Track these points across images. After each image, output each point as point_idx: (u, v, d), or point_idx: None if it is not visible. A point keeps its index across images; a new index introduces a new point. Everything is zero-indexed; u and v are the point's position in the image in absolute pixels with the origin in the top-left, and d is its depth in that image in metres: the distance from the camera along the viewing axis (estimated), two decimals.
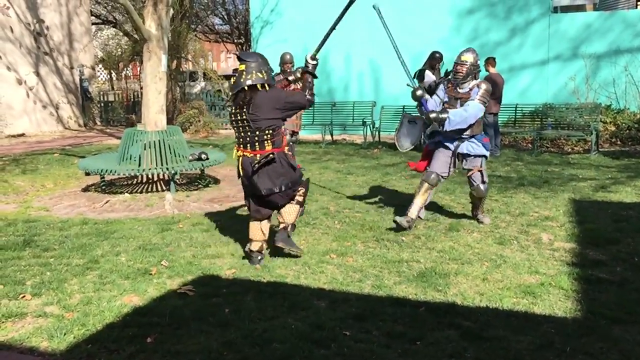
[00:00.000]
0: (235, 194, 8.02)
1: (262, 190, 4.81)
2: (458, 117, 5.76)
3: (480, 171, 6.04)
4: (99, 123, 19.33)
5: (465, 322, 3.82)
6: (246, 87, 4.71)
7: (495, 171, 9.17)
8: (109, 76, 32.56)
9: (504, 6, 13.14)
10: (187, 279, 4.75)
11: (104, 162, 8.47)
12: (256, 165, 4.74)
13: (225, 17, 25.80)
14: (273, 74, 9.39)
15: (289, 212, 5.06)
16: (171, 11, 8.86)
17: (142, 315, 4.05)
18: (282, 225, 5.08)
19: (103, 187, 8.39)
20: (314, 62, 5.16)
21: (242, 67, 4.79)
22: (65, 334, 3.77)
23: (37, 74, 17.20)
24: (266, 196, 4.86)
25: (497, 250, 5.32)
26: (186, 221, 6.55)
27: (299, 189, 5.08)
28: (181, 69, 18.92)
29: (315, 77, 5.21)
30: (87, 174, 8.30)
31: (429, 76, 11.03)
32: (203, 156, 8.32)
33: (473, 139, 5.95)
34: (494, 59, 10.87)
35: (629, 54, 12.25)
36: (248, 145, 4.81)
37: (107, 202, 7.55)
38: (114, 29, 25.05)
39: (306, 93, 5.01)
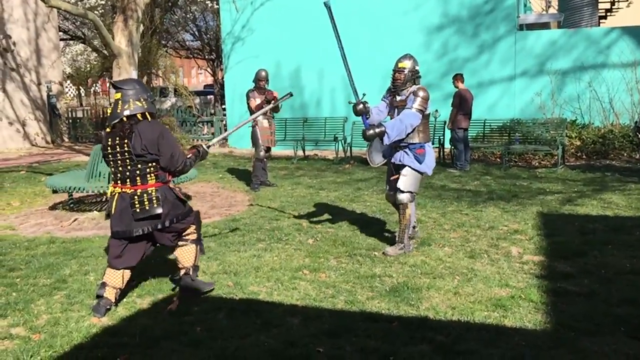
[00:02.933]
0: (207, 210, 7.96)
1: (142, 229, 4.28)
2: (395, 129, 5.45)
3: (400, 177, 5.70)
4: (67, 140, 19.03)
5: (438, 336, 3.84)
6: (125, 118, 4.26)
7: (465, 185, 9.28)
8: (77, 92, 32.19)
9: (472, 23, 13.40)
10: (158, 297, 4.68)
11: (72, 179, 8.32)
12: (137, 210, 4.24)
13: (196, 33, 25.79)
14: (247, 90, 9.47)
15: (186, 254, 4.64)
16: (141, 27, 8.80)
17: (112, 336, 3.97)
18: (183, 271, 4.67)
19: (71, 205, 8.24)
20: (207, 150, 4.72)
21: (118, 95, 4.34)
22: (32, 356, 3.67)
23: (4, 90, 16.89)
24: (146, 235, 4.35)
25: (468, 264, 5.37)
26: None
27: (189, 226, 4.58)
28: (152, 85, 18.79)
29: (203, 158, 4.67)
30: (55, 191, 8.14)
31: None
32: None
33: (407, 149, 5.69)
34: (461, 75, 11.05)
35: (592, 71, 12.59)
36: (128, 180, 4.29)
37: (75, 221, 7.42)
38: (83, 44, 24.79)
39: (189, 157, 4.49)
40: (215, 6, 17.88)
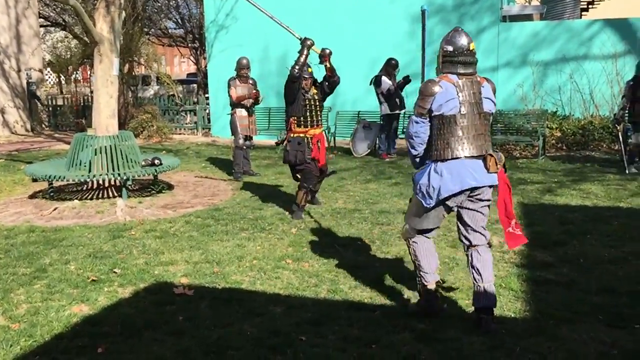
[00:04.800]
0: (190, 199, 7.92)
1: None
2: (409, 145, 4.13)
3: None
4: (47, 128, 18.77)
5: (419, 324, 3.87)
6: None
7: None
8: (57, 80, 31.71)
9: (457, 14, 13.41)
10: (140, 286, 4.66)
11: (52, 167, 8.23)
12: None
13: (179, 20, 25.48)
14: (228, 79, 9.41)
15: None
16: (123, 14, 8.67)
17: (93, 325, 3.95)
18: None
19: (51, 194, 8.15)
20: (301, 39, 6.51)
21: None
22: (11, 346, 3.64)
23: None
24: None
25: (449, 253, 5.41)
26: (138, 228, 6.43)
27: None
28: (133, 73, 18.54)
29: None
30: (35, 180, 8.05)
31: (385, 82, 11.26)
32: (156, 161, 8.18)
33: None
34: None
35: (574, 62, 12.68)
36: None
37: (55, 209, 7.34)
38: (64, 31, 24.40)
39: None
40: None
